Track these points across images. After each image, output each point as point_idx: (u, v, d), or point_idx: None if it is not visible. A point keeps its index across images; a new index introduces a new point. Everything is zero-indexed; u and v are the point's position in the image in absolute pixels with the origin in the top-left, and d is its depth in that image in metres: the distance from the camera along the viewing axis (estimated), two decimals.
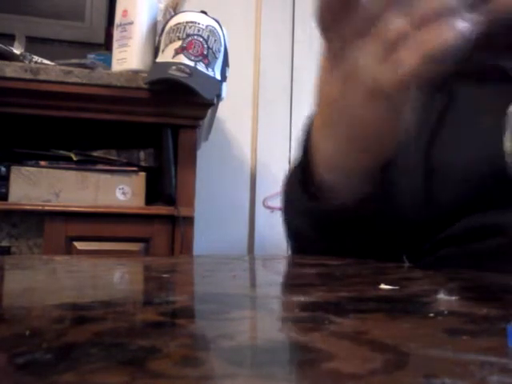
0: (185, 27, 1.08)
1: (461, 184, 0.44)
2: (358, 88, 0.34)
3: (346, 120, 0.37)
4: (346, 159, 0.39)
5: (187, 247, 1.07)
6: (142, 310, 0.19)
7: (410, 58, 0.30)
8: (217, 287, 0.26)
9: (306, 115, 0.45)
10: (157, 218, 1.07)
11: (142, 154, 1.12)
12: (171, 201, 1.08)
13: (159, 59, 1.08)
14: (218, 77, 1.11)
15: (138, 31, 1.09)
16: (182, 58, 1.05)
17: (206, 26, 1.10)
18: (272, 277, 0.36)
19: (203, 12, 1.13)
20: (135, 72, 1.07)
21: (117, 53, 1.09)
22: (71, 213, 1.04)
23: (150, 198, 1.10)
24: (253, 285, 0.31)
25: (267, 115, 1.63)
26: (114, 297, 0.23)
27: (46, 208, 1.02)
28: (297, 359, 0.13)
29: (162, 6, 1.16)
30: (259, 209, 1.59)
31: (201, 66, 1.06)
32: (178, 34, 1.07)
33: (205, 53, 1.07)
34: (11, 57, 1.04)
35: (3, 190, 1.02)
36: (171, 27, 1.09)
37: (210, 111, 1.14)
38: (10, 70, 1.00)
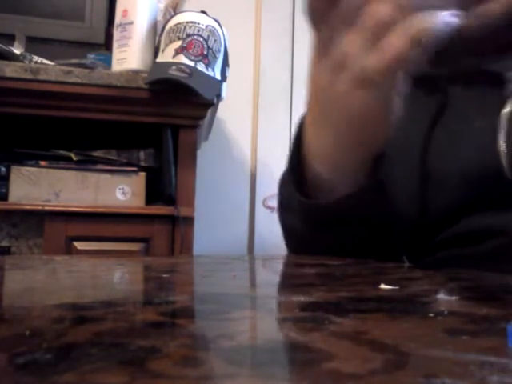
0: (185, 27, 1.08)
1: (457, 187, 0.45)
2: (346, 77, 0.35)
3: (334, 109, 0.37)
4: (337, 150, 0.39)
5: (187, 247, 1.07)
6: (142, 310, 0.19)
7: (396, 43, 0.31)
8: (217, 287, 0.26)
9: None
10: (157, 218, 1.07)
11: (141, 154, 1.12)
12: (171, 201, 1.08)
13: (159, 59, 1.08)
14: (218, 77, 1.11)
15: (138, 31, 1.09)
16: (182, 58, 1.05)
17: (206, 26, 1.10)
18: (272, 277, 0.36)
19: (203, 12, 1.13)
20: (135, 72, 1.07)
21: (117, 53, 1.10)
22: (71, 213, 1.04)
23: (150, 198, 1.10)
24: (253, 285, 0.31)
25: (267, 115, 1.63)
26: (113, 297, 0.23)
27: (46, 208, 1.02)
28: (297, 359, 0.13)
29: (161, 5, 1.16)
30: (259, 209, 1.59)
31: (201, 66, 1.06)
32: (177, 34, 1.07)
33: (205, 53, 1.08)
34: (11, 57, 1.04)
35: (3, 190, 1.02)
36: (171, 27, 1.09)
37: (209, 111, 1.14)
38: (10, 69, 1.00)
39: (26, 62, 1.05)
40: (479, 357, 0.13)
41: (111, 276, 0.32)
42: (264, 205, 1.57)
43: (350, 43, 0.34)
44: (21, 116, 1.06)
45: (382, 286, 0.24)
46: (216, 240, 1.53)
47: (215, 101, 1.12)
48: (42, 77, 1.01)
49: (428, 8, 0.31)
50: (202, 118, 1.12)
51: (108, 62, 1.13)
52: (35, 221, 1.03)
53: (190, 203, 1.10)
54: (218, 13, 1.18)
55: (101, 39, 1.31)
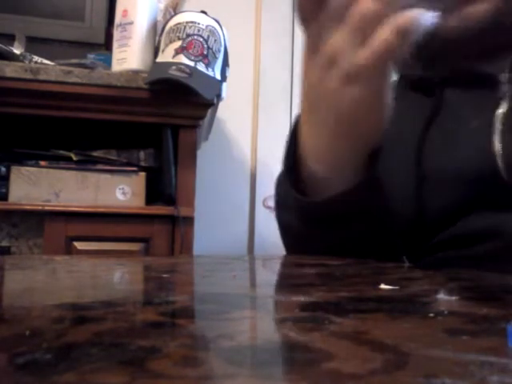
0: (185, 27, 1.08)
1: (452, 188, 0.45)
2: (335, 73, 0.36)
3: (325, 106, 0.38)
4: (331, 147, 0.40)
5: (187, 247, 1.07)
6: (142, 310, 0.19)
7: (383, 36, 0.32)
8: (217, 287, 0.26)
9: None
10: (157, 218, 1.07)
11: (141, 154, 1.12)
12: (171, 201, 1.08)
13: (159, 59, 1.08)
14: (218, 77, 1.11)
15: (138, 31, 1.09)
16: (182, 58, 1.05)
17: (206, 26, 1.10)
18: (272, 277, 0.36)
19: (203, 12, 1.13)
20: (135, 72, 1.07)
21: (117, 53, 1.10)
22: (71, 213, 1.04)
23: (150, 198, 1.10)
24: (253, 285, 0.31)
25: (267, 115, 1.63)
26: (113, 297, 0.23)
27: (46, 208, 1.02)
28: (297, 359, 0.13)
29: (161, 5, 1.16)
30: (259, 209, 1.59)
31: (201, 66, 1.06)
32: (178, 34, 1.07)
33: (205, 53, 1.07)
34: (11, 57, 1.04)
35: (3, 190, 1.02)
36: (171, 27, 1.09)
37: (210, 111, 1.14)
38: (10, 69, 1.00)
39: (26, 61, 1.05)
40: (479, 357, 0.13)
41: (111, 276, 0.32)
42: (264, 205, 1.57)
43: (339, 40, 0.35)
44: (21, 116, 1.06)
45: (382, 286, 0.24)
46: (216, 240, 1.53)
47: (215, 101, 1.12)
48: (41, 77, 1.01)
49: (412, 7, 0.33)
50: (202, 118, 1.12)
51: (108, 62, 1.13)
52: (35, 221, 1.03)
53: (190, 203, 1.10)
54: (218, 13, 1.18)
55: (101, 39, 1.31)
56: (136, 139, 1.13)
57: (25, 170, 1.03)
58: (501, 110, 0.45)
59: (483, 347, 0.14)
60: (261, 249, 1.56)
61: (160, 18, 1.15)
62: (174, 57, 1.05)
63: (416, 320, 0.18)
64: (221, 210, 1.56)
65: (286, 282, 0.30)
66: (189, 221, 1.08)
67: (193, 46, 1.06)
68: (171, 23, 1.10)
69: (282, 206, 0.50)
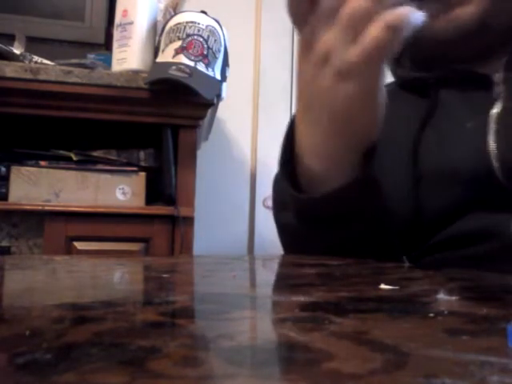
0: (185, 27, 1.08)
1: (448, 188, 0.45)
2: (328, 71, 0.36)
3: (319, 104, 0.38)
4: (327, 145, 0.40)
5: (187, 247, 1.07)
6: (142, 310, 0.19)
7: (374, 32, 0.33)
8: (217, 287, 0.26)
9: None
10: (157, 218, 1.07)
11: (141, 154, 1.12)
12: (171, 201, 1.08)
13: (159, 59, 1.08)
14: (218, 77, 1.11)
15: (138, 31, 1.09)
16: (182, 58, 1.05)
17: (206, 26, 1.10)
18: (272, 277, 0.36)
19: (203, 12, 1.13)
20: (135, 72, 1.07)
21: (117, 53, 1.10)
22: (71, 213, 1.04)
23: (150, 198, 1.10)
24: (253, 285, 0.31)
25: (267, 115, 1.63)
26: (113, 297, 0.23)
27: (46, 208, 1.02)
28: (297, 359, 0.13)
29: (161, 5, 1.16)
30: (259, 209, 1.59)
31: (201, 66, 1.06)
32: (178, 34, 1.07)
33: (205, 53, 1.07)
34: (11, 57, 1.04)
35: (3, 190, 1.02)
36: (171, 27, 1.09)
37: (210, 111, 1.14)
38: (10, 69, 1.00)
39: (26, 61, 1.05)
40: (479, 357, 0.13)
41: (111, 276, 0.32)
42: (264, 205, 1.57)
43: (331, 38, 0.35)
44: (21, 116, 1.06)
45: (382, 286, 0.24)
46: (216, 240, 1.53)
47: (215, 101, 1.12)
48: (42, 77, 1.01)
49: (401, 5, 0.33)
50: (202, 118, 1.12)
51: (108, 62, 1.13)
52: (35, 221, 1.03)
53: (190, 203, 1.10)
54: (218, 13, 1.18)
55: (101, 39, 1.31)
56: (136, 139, 1.13)
57: (25, 169, 1.03)
58: (495, 110, 0.45)
59: (483, 347, 0.14)
60: (261, 249, 1.56)
61: (160, 17, 1.15)
62: (173, 57, 1.05)
63: (416, 320, 0.18)
64: (221, 210, 1.56)
65: (286, 282, 0.30)
66: (189, 221, 1.08)
67: (193, 46, 1.06)
68: (171, 23, 1.10)
69: (280, 205, 0.50)
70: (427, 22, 0.34)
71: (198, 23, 1.09)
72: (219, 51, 1.11)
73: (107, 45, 1.27)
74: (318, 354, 0.13)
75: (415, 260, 0.45)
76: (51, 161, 1.05)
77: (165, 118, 1.09)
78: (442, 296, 0.22)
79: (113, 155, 1.09)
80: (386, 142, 0.41)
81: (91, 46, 1.29)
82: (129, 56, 1.08)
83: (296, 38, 0.40)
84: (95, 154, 1.08)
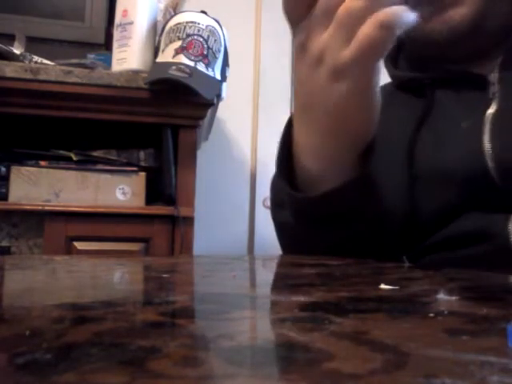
0: (185, 27, 1.08)
1: (444, 189, 0.45)
2: (323, 71, 0.36)
3: (314, 104, 0.39)
4: (322, 144, 0.40)
5: (187, 247, 1.07)
6: (142, 310, 0.19)
7: (367, 31, 0.33)
8: (217, 287, 0.26)
9: None
10: (157, 218, 1.07)
11: (141, 154, 1.12)
12: (171, 201, 1.08)
13: (159, 59, 1.08)
14: (218, 77, 1.11)
15: (138, 31, 1.09)
16: (182, 58, 1.05)
17: (206, 26, 1.10)
18: (272, 277, 0.36)
19: (203, 12, 1.13)
20: (135, 72, 1.07)
21: (117, 53, 1.09)
22: (71, 213, 1.04)
23: (150, 198, 1.10)
24: (253, 285, 0.31)
25: (267, 115, 1.63)
26: (113, 297, 0.23)
27: (46, 208, 1.02)
28: (297, 359, 0.13)
29: (161, 5, 1.16)
30: (259, 209, 1.59)
31: (201, 66, 1.06)
32: (178, 34, 1.07)
33: (205, 53, 1.07)
34: (11, 57, 1.04)
35: (3, 190, 1.02)
36: (171, 27, 1.09)
37: (210, 111, 1.14)
38: (10, 69, 1.00)
39: (26, 61, 1.05)
40: (479, 357, 0.13)
41: (111, 276, 0.32)
42: (264, 205, 1.57)
43: (326, 38, 0.35)
44: (21, 116, 1.06)
45: (382, 286, 0.24)
46: (216, 240, 1.53)
47: (215, 101, 1.12)
48: (42, 77, 1.01)
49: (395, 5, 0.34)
50: (202, 118, 1.12)
51: (108, 62, 1.13)
52: (35, 221, 1.03)
53: (190, 203, 1.10)
54: (218, 13, 1.18)
55: (101, 39, 1.31)
56: (136, 139, 1.13)
57: (25, 169, 1.03)
58: (491, 111, 0.45)
59: (483, 347, 0.14)
60: (261, 249, 1.56)
61: (160, 17, 1.15)
62: (173, 57, 1.05)
63: (416, 320, 0.18)
64: (221, 210, 1.56)
65: (286, 282, 0.30)
66: (189, 221, 1.08)
67: (193, 46, 1.06)
68: (171, 23, 1.10)
69: (277, 204, 0.51)
70: (421, 22, 0.34)
71: (198, 23, 1.09)
72: (219, 51, 1.11)
73: (107, 45, 1.27)
74: (317, 354, 0.13)
75: (412, 261, 0.46)
76: (51, 161, 1.05)
77: (165, 117, 1.09)
78: (442, 296, 0.22)
79: (113, 155, 1.09)
80: (383, 142, 0.41)
81: (91, 46, 1.29)
82: (129, 56, 1.08)
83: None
84: (95, 153, 1.08)
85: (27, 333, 0.14)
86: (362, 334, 0.15)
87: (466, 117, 0.46)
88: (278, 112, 1.64)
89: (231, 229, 1.58)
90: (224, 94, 1.15)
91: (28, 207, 1.01)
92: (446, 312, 0.19)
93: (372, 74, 0.36)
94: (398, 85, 0.56)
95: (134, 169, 1.09)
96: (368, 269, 0.35)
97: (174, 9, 1.17)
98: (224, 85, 1.14)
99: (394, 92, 0.55)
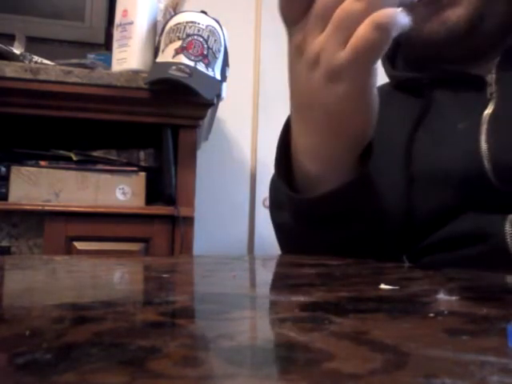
0: (185, 27, 1.08)
1: (440, 189, 0.45)
2: (320, 73, 0.36)
3: (312, 106, 0.39)
4: (321, 145, 0.40)
5: (187, 247, 1.07)
6: (142, 310, 0.19)
7: (363, 31, 0.33)
8: (217, 287, 0.26)
9: None
10: (157, 218, 1.07)
11: (142, 154, 1.12)
12: (171, 201, 1.08)
13: (159, 59, 1.08)
14: (218, 77, 1.11)
15: (137, 31, 1.09)
16: (182, 58, 1.05)
17: (206, 26, 1.10)
18: (272, 277, 0.36)
19: (203, 12, 1.13)
20: (135, 72, 1.07)
21: (117, 53, 1.09)
22: (71, 213, 1.04)
23: (150, 198, 1.10)
24: (253, 285, 0.31)
25: (267, 115, 1.63)
26: (113, 297, 0.23)
27: (46, 208, 1.02)
28: (297, 359, 0.13)
29: (161, 5, 1.16)
30: (259, 209, 1.59)
31: (201, 66, 1.06)
32: (178, 34, 1.07)
33: (205, 53, 1.07)
34: (11, 57, 1.04)
35: (3, 190, 1.02)
36: (171, 27, 1.09)
37: (210, 111, 1.14)
38: (10, 69, 1.00)
39: (26, 61, 1.05)
40: (479, 357, 0.13)
41: (111, 276, 0.32)
42: (264, 205, 1.57)
43: (322, 41, 0.35)
44: (21, 116, 1.06)
45: (382, 286, 0.24)
46: (216, 240, 1.53)
47: (215, 101, 1.12)
48: (42, 77, 1.01)
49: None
50: (202, 118, 1.12)
51: (108, 62, 1.13)
52: (35, 221, 1.03)
53: (190, 203, 1.10)
54: (218, 13, 1.18)
55: (101, 39, 1.31)
56: (136, 139, 1.13)
57: (25, 169, 1.03)
58: (488, 111, 0.45)
59: (483, 347, 0.14)
60: (261, 249, 1.56)
61: (160, 17, 1.15)
62: (173, 57, 1.05)
63: (416, 320, 0.18)
64: (221, 210, 1.56)
65: (286, 282, 0.30)
66: (189, 221, 1.08)
67: (193, 46, 1.06)
68: (171, 23, 1.10)
69: (276, 205, 0.51)
70: (418, 23, 0.34)
71: (198, 23, 1.09)
72: (219, 51, 1.11)
73: (107, 45, 1.27)
74: (318, 354, 0.13)
75: (412, 261, 0.46)
76: (51, 161, 1.06)
77: (165, 117, 1.09)
78: (442, 296, 0.22)
79: (113, 155, 1.09)
80: (381, 142, 0.42)
81: (91, 46, 1.29)
82: (129, 56, 1.08)
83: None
84: (95, 153, 1.08)
85: (27, 333, 0.14)
86: (361, 333, 0.15)
87: (463, 117, 0.46)
88: (278, 112, 1.64)
89: (231, 229, 1.58)
90: (224, 94, 1.15)
91: (28, 207, 1.01)
92: (446, 312, 0.19)
93: (368, 75, 0.36)
94: (395, 85, 0.56)
95: (134, 169, 1.09)
96: (368, 269, 0.35)
97: (174, 9, 1.17)
98: (224, 85, 1.14)
99: (391, 92, 0.55)
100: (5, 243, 1.01)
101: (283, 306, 0.20)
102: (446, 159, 0.45)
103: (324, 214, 0.42)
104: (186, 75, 1.02)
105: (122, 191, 1.07)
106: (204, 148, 1.50)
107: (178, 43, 1.06)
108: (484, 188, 0.43)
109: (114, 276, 0.33)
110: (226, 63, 1.14)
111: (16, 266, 0.36)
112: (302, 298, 0.21)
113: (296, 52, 0.38)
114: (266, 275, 0.37)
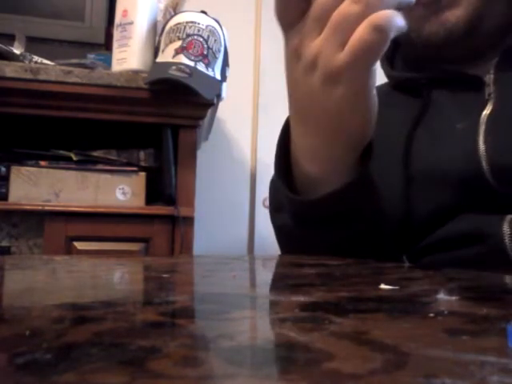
0: (185, 27, 1.08)
1: (439, 190, 0.45)
2: (318, 75, 0.36)
3: (312, 108, 0.39)
4: (320, 147, 0.40)
5: (187, 247, 1.07)
6: (142, 310, 0.19)
7: (361, 33, 0.33)
8: (217, 287, 0.26)
9: None
10: (157, 218, 1.07)
11: (141, 154, 1.12)
12: (171, 201, 1.08)
13: (159, 59, 1.08)
14: (218, 77, 1.11)
15: (138, 31, 1.09)
16: (182, 58, 1.05)
17: (206, 26, 1.10)
18: (272, 277, 0.36)
19: (203, 12, 1.13)
20: (135, 72, 1.07)
21: (117, 53, 1.09)
22: (71, 213, 1.04)
23: (150, 198, 1.10)
24: (253, 285, 0.31)
25: (267, 115, 1.63)
26: (113, 297, 0.23)
27: (46, 208, 1.02)
28: (297, 359, 0.13)
29: (161, 5, 1.16)
30: (259, 209, 1.59)
31: (201, 66, 1.06)
32: (177, 34, 1.07)
33: (205, 53, 1.07)
34: (11, 57, 1.04)
35: (3, 190, 1.02)
36: (171, 27, 1.09)
37: (210, 111, 1.14)
38: (10, 69, 1.00)
39: (26, 61, 1.05)
40: (479, 357, 0.13)
41: (111, 276, 0.32)
42: (264, 205, 1.57)
43: (319, 44, 0.35)
44: (21, 116, 1.06)
45: (382, 286, 0.24)
46: (216, 240, 1.53)
47: (215, 101, 1.12)
48: (42, 77, 1.01)
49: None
50: (202, 118, 1.12)
51: (108, 62, 1.13)
52: (35, 221, 1.03)
53: (190, 203, 1.10)
54: (218, 13, 1.18)
55: (101, 39, 1.31)
56: (136, 139, 1.13)
57: (25, 169, 1.03)
58: (486, 112, 0.45)
59: (483, 347, 0.14)
60: (261, 249, 1.56)
61: (160, 18, 1.15)
62: (173, 57, 1.05)
63: (416, 320, 0.18)
64: (221, 210, 1.56)
65: (286, 282, 0.30)
66: (189, 221, 1.08)
67: (193, 46, 1.06)
68: (171, 23, 1.10)
69: (276, 206, 0.51)
70: (418, 24, 0.34)
71: (198, 23, 1.09)
72: (219, 51, 1.11)
73: (107, 45, 1.27)
74: (318, 354, 0.13)
75: (412, 261, 0.46)
76: (51, 161, 1.06)
77: (165, 117, 1.09)
78: (442, 296, 0.22)
79: (113, 155, 1.09)
80: (379, 142, 0.42)
81: (91, 46, 1.29)
82: (129, 56, 1.08)
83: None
84: (95, 153, 1.08)
85: (27, 333, 0.14)
86: (362, 333, 0.15)
87: (461, 117, 0.46)
88: (278, 112, 1.64)
89: (231, 229, 1.58)
90: (224, 94, 1.15)
91: (28, 207, 1.01)
92: (446, 312, 0.19)
93: (367, 77, 0.36)
94: (394, 85, 0.56)
95: (134, 169, 1.09)
96: (368, 269, 0.35)
97: (174, 9, 1.17)
98: (224, 85, 1.14)
99: (390, 92, 0.55)
100: (5, 243, 1.01)
101: (283, 306, 0.20)
102: (444, 159, 0.45)
103: (324, 214, 0.42)
104: (186, 75, 1.02)
105: (121, 191, 1.07)
106: (204, 148, 1.50)
107: (178, 43, 1.06)
108: (482, 188, 0.43)
109: (114, 276, 0.33)
110: (226, 63, 1.14)
111: (16, 265, 0.36)
112: (302, 298, 0.21)
113: (293, 55, 0.38)
114: (265, 275, 0.37)
